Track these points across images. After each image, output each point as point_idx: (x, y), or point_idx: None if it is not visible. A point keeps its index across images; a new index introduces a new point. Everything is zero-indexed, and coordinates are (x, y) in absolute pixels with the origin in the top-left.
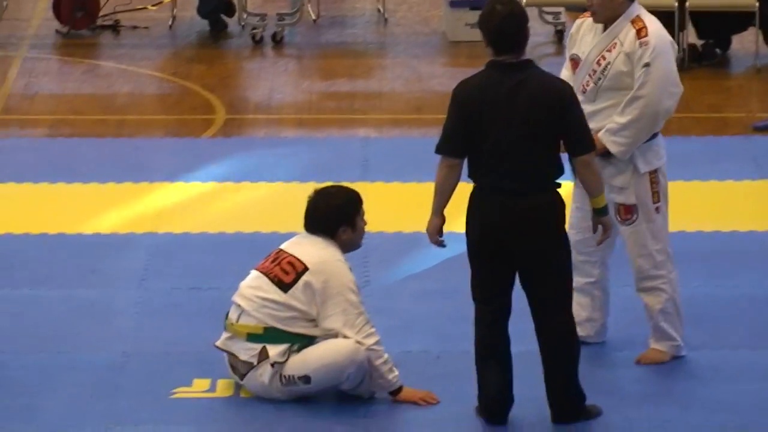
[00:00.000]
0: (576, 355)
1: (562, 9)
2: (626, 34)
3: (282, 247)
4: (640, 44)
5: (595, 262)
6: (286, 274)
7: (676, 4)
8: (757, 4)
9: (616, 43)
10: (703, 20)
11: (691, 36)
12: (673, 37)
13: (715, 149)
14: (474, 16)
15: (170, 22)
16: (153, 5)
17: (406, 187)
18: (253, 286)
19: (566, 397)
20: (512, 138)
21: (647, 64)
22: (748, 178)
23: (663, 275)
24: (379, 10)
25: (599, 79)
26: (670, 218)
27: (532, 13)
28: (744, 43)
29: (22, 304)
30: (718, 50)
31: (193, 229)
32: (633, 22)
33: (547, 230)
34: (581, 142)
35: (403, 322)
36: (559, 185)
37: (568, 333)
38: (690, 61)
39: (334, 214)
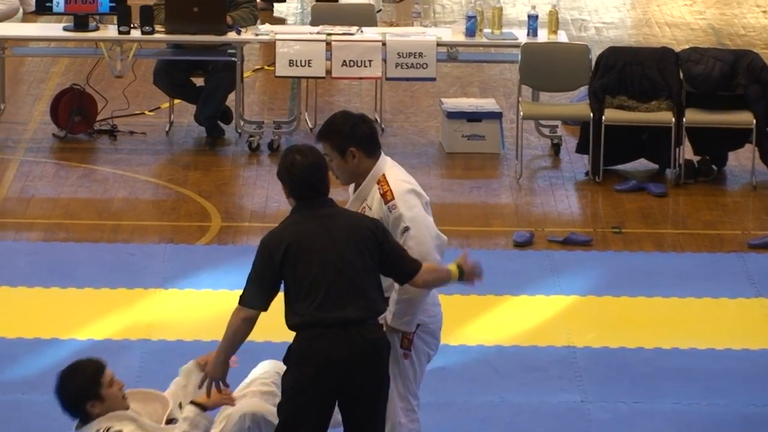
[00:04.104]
0: None
1: (558, 122)
2: (373, 196)
3: None
4: (389, 209)
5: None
6: None
7: (673, 119)
8: (754, 121)
9: (365, 208)
10: (700, 136)
11: (687, 152)
12: (669, 153)
13: (710, 266)
14: (471, 128)
15: (167, 128)
16: (150, 111)
17: None
18: None
19: None
20: (346, 266)
21: (407, 228)
22: (743, 296)
23: (404, 424)
24: (376, 120)
25: None
26: (662, 335)
27: (528, 125)
28: (740, 159)
29: (14, 409)
30: (714, 167)
31: (187, 337)
32: (379, 182)
33: (386, 365)
34: (413, 262)
35: None
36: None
37: None
38: (686, 177)
39: (75, 398)
